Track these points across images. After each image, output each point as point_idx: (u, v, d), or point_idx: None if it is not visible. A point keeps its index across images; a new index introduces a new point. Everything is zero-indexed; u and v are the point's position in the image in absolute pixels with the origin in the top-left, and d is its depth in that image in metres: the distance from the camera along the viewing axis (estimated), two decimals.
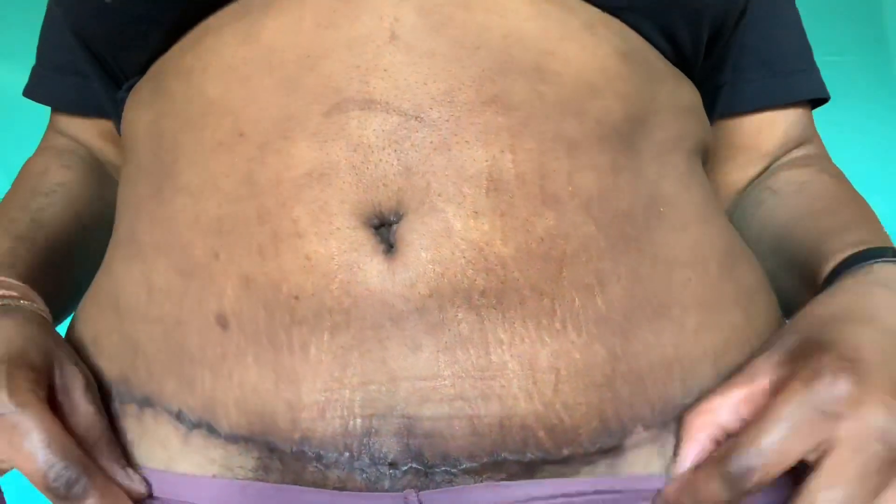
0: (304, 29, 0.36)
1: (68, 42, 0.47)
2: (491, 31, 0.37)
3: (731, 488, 0.31)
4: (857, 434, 0.30)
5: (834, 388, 0.31)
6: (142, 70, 0.43)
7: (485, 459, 0.33)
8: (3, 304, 0.39)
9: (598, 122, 0.37)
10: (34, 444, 0.33)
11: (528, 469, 0.34)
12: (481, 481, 0.33)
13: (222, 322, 0.35)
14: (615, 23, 0.40)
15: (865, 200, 0.49)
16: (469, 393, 0.33)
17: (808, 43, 0.53)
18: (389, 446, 0.33)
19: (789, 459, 0.31)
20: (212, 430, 0.35)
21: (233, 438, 0.35)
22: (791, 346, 0.34)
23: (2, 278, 0.41)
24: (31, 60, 0.57)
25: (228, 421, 0.35)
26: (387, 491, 0.33)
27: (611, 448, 0.35)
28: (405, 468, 0.33)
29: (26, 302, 0.40)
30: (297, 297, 0.34)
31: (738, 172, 0.53)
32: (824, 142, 0.55)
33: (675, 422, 0.36)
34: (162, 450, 0.36)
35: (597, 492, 0.34)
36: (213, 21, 0.40)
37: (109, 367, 0.39)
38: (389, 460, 0.33)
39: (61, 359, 0.37)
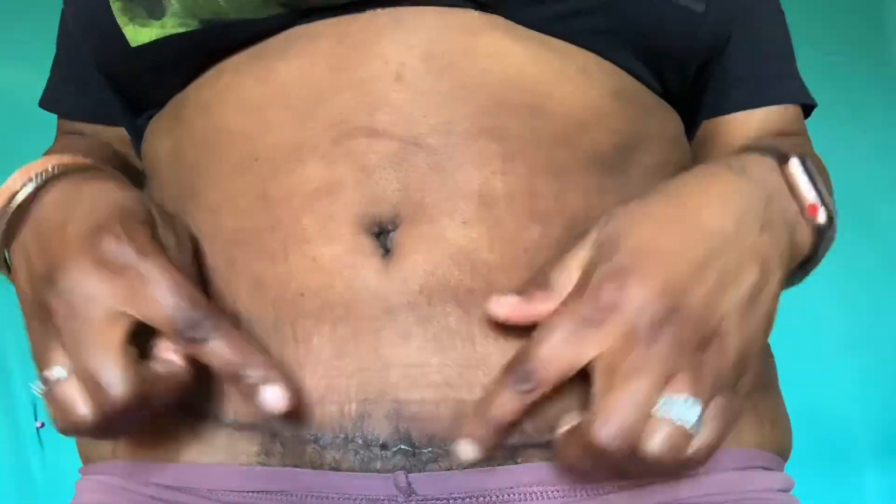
0: (316, 71, 0.40)
1: (86, 58, 0.48)
2: (491, 75, 0.40)
3: (517, 396, 0.33)
4: (622, 334, 0.32)
5: (601, 298, 0.33)
6: (161, 103, 0.46)
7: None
8: (95, 170, 0.40)
9: (587, 152, 0.40)
10: (161, 290, 0.33)
11: (512, 453, 0.36)
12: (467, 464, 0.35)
13: (234, 321, 0.38)
14: (608, 65, 0.42)
15: (825, 171, 0.50)
16: (455, 380, 0.36)
17: (789, 50, 0.54)
18: (381, 428, 0.36)
19: (563, 366, 0.33)
20: (217, 420, 0.38)
21: (237, 426, 0.37)
22: (588, 245, 0.35)
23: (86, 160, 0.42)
24: (35, 61, 0.57)
25: (234, 410, 0.37)
26: (378, 471, 0.35)
27: None
28: (395, 449, 0.35)
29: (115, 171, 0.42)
30: (302, 294, 0.37)
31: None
32: (824, 142, 0.55)
33: None
34: (172, 441, 0.39)
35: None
36: (230, 62, 0.43)
37: None
38: (381, 441, 0.35)
39: (157, 217, 0.38)
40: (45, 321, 0.34)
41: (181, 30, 0.41)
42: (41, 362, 0.34)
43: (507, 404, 0.33)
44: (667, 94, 0.46)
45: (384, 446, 0.35)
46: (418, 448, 0.35)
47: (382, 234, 0.38)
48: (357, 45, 0.40)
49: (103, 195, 0.37)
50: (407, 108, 0.39)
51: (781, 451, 0.43)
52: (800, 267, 0.40)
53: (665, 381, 0.32)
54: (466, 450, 0.34)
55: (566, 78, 0.41)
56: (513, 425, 0.34)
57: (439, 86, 0.39)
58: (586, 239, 0.36)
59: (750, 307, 0.34)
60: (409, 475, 0.35)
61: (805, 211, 0.38)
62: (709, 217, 0.35)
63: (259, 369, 0.34)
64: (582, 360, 0.33)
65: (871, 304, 1.62)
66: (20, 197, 0.37)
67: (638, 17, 0.41)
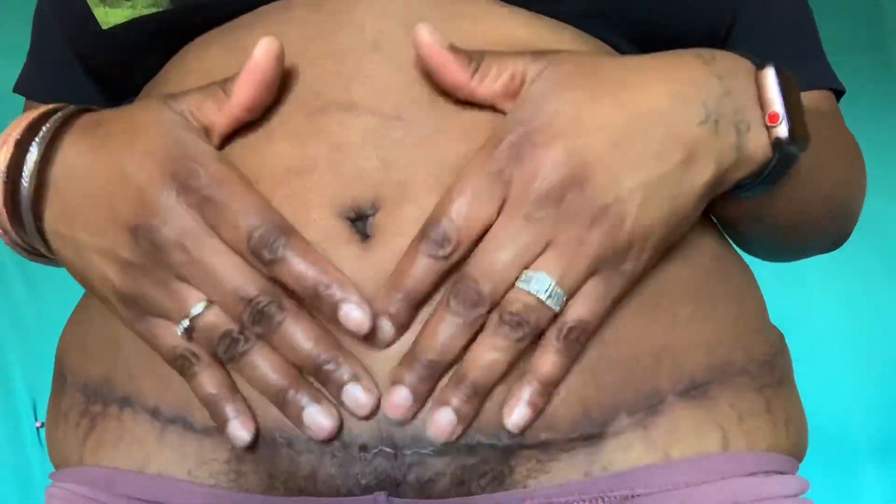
0: (288, 41, 0.37)
1: (62, 43, 0.47)
2: (477, 38, 0.37)
3: (433, 258, 0.33)
4: (514, 197, 0.32)
5: (510, 156, 0.32)
6: (138, 88, 0.45)
7: (458, 443, 0.33)
8: (89, 111, 0.39)
9: None
10: (235, 215, 0.33)
11: (503, 455, 0.34)
12: (453, 465, 0.33)
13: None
14: (600, 42, 0.41)
15: (856, 148, 0.48)
16: (444, 382, 0.33)
17: (809, 30, 0.52)
18: (360, 429, 0.33)
19: (478, 226, 0.33)
20: (187, 425, 0.36)
21: (207, 432, 0.35)
22: (523, 74, 0.34)
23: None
24: (14, 51, 0.56)
25: (202, 414, 0.35)
26: (357, 475, 0.33)
27: (591, 435, 0.35)
28: (375, 451, 0.33)
29: None
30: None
31: None
32: None
33: (660, 407, 0.36)
34: (139, 448, 0.37)
35: (567, 501, 0.34)
36: (200, 38, 0.41)
37: (94, 369, 0.39)
38: (360, 443, 0.33)
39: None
40: (154, 268, 0.33)
41: (152, 10, 0.40)
42: (175, 308, 0.34)
43: (425, 274, 0.33)
44: None
45: (364, 448, 0.33)
46: (400, 449, 0.33)
47: (360, 219, 0.35)
48: (332, 13, 0.38)
49: (140, 128, 0.35)
50: (386, 79, 0.36)
51: (796, 451, 0.41)
52: (755, 180, 0.37)
53: (538, 253, 0.32)
54: (385, 328, 0.33)
55: (563, 41, 0.39)
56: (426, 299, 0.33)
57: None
58: (528, 63, 0.34)
59: (660, 192, 0.33)
60: (391, 499, 0.33)
61: (766, 118, 0.35)
62: (645, 94, 0.34)
63: (338, 287, 0.33)
64: (493, 215, 0.33)
65: (871, 304, 1.62)
66: (29, 166, 0.35)
67: (631, 1, 0.40)
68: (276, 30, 0.38)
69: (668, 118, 0.34)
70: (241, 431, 0.33)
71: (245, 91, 0.35)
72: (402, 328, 0.33)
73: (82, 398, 0.40)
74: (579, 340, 0.33)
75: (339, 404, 0.33)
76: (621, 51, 0.41)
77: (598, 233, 0.32)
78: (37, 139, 0.36)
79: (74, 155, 0.36)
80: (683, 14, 0.42)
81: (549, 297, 0.32)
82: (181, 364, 0.34)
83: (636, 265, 0.34)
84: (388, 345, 0.34)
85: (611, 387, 0.35)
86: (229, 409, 0.34)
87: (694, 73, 0.35)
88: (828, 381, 1.54)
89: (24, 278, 1.66)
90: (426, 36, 0.34)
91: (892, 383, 1.61)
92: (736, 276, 0.41)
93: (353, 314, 0.32)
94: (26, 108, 0.56)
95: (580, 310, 0.33)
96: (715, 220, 0.43)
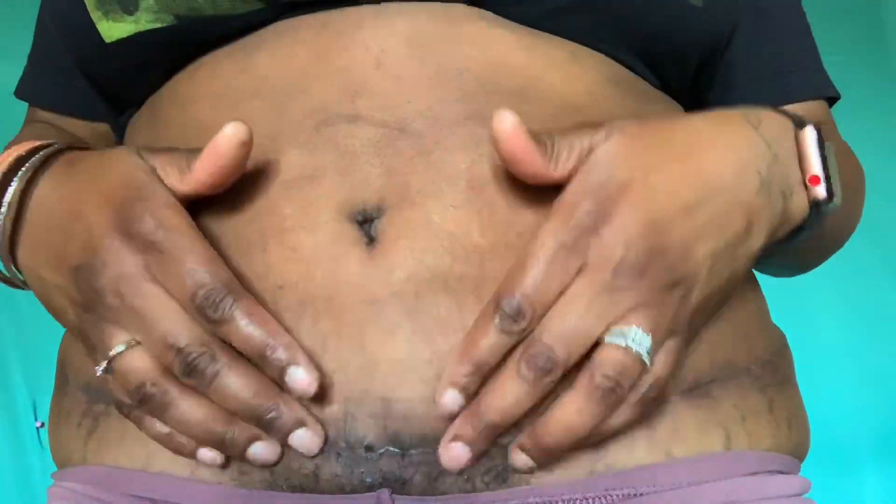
0: (296, 62, 0.39)
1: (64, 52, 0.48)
2: (476, 60, 0.39)
3: (505, 333, 0.32)
4: (593, 263, 0.32)
5: (585, 225, 0.32)
6: (141, 101, 0.45)
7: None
8: (74, 148, 0.39)
9: None
10: (183, 268, 0.32)
11: (507, 453, 0.34)
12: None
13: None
14: (601, 56, 0.41)
15: (859, 169, 0.48)
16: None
17: (809, 44, 0.52)
18: (367, 429, 0.34)
19: (551, 296, 0.32)
20: None
21: None
22: (589, 142, 0.34)
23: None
24: (19, 56, 0.56)
25: None
26: (363, 474, 0.34)
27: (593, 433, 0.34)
28: (381, 451, 0.34)
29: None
30: (281, 287, 0.35)
31: None
32: None
33: (664, 407, 0.36)
34: (141, 447, 0.37)
35: (570, 499, 0.35)
36: (208, 56, 0.42)
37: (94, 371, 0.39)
38: (366, 443, 0.34)
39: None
40: (90, 309, 0.34)
41: (156, 25, 0.40)
42: (101, 347, 0.34)
43: (496, 347, 0.32)
44: (669, 90, 0.45)
45: (370, 448, 0.34)
46: (407, 449, 0.34)
47: (366, 222, 0.36)
48: (339, 33, 0.39)
49: (105, 169, 0.35)
50: (390, 93, 0.38)
51: (798, 451, 0.42)
52: (788, 238, 0.38)
53: (620, 316, 0.32)
54: (453, 398, 0.33)
55: (556, 64, 0.40)
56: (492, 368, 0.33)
57: (423, 71, 0.38)
58: (593, 135, 0.34)
59: (723, 260, 0.34)
60: (393, 496, 0.34)
61: (807, 180, 0.37)
62: (710, 163, 0.34)
63: (284, 350, 0.32)
64: (567, 287, 0.32)
65: (871, 304, 1.62)
66: (8, 198, 0.36)
67: (630, 12, 0.40)
68: (286, 51, 0.39)
69: (731, 187, 0.34)
70: (208, 457, 0.35)
71: (205, 171, 0.35)
72: (469, 398, 0.33)
73: (84, 397, 0.40)
74: (656, 400, 0.34)
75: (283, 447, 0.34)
76: (622, 61, 0.42)
77: (675, 299, 0.33)
78: (18, 174, 0.36)
79: (48, 191, 0.36)
80: (685, 28, 0.42)
81: (647, 353, 0.32)
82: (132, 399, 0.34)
83: (698, 326, 0.35)
84: (454, 416, 0.33)
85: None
86: (185, 444, 0.35)
87: (746, 139, 0.36)
88: (829, 380, 1.54)
89: None
90: (508, 126, 0.33)
91: (893, 383, 1.61)
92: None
93: (299, 377, 0.32)
94: (30, 114, 0.56)
95: (659, 369, 0.33)
96: None
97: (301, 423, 0.33)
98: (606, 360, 0.32)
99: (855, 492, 1.59)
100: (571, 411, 0.32)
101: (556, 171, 0.34)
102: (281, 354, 0.32)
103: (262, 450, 0.34)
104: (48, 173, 0.37)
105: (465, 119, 0.37)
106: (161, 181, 0.35)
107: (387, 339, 0.34)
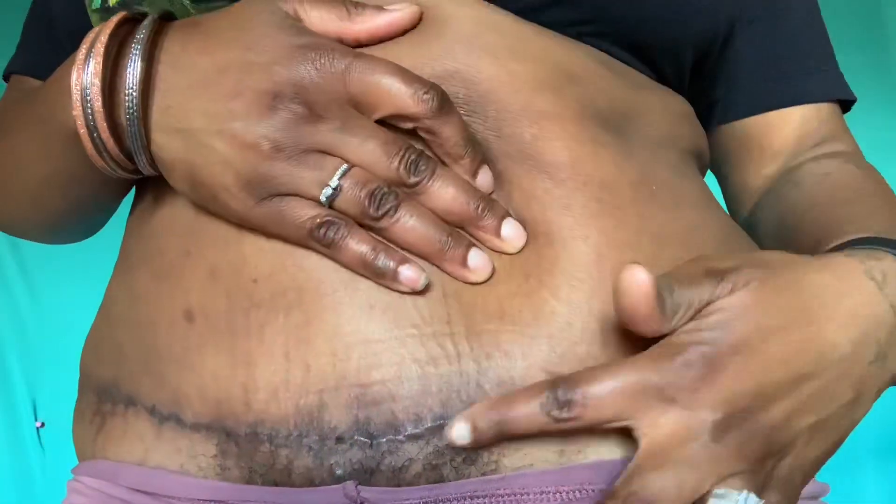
0: None
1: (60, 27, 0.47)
2: (459, 20, 0.38)
3: (544, 417, 0.31)
4: (687, 423, 0.31)
5: (682, 376, 0.31)
6: None
7: (429, 423, 0.33)
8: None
9: (578, 102, 0.38)
10: (385, 73, 0.34)
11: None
12: (426, 450, 0.33)
13: (189, 316, 0.37)
14: (593, 49, 0.41)
15: (894, 194, 0.47)
16: (420, 353, 0.34)
17: (823, 43, 0.51)
18: (338, 420, 0.33)
19: (607, 415, 0.31)
20: (179, 422, 0.36)
21: (196, 427, 0.36)
22: (710, 293, 0.32)
23: None
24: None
25: (192, 411, 0.36)
26: (332, 467, 0.33)
27: None
28: (351, 441, 0.33)
29: None
30: (255, 280, 0.35)
31: (754, 174, 0.53)
32: None
33: None
34: (139, 443, 0.38)
35: (543, 492, 0.33)
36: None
37: (104, 372, 0.41)
38: (337, 434, 0.33)
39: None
40: (283, 146, 0.33)
41: None
42: (319, 174, 0.34)
43: (529, 420, 0.31)
44: (669, 84, 0.44)
45: (340, 439, 0.33)
46: (376, 438, 0.33)
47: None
48: None
49: (245, 20, 0.35)
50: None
51: None
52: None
53: (717, 479, 0.31)
54: (462, 433, 0.32)
55: (550, 36, 0.39)
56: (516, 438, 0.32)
57: (402, 37, 0.37)
58: (714, 289, 0.32)
59: (823, 432, 0.33)
60: (358, 487, 0.33)
61: None
62: (830, 333, 0.33)
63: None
64: (630, 421, 0.31)
65: None
66: (133, 77, 0.34)
67: (617, 6, 0.40)
68: None
69: (846, 359, 0.33)
70: (415, 273, 0.34)
71: (369, 30, 0.36)
72: (475, 445, 0.32)
73: (95, 398, 0.41)
74: None
75: (493, 245, 0.35)
76: (612, 55, 0.41)
77: (768, 464, 0.32)
78: (135, 47, 0.35)
79: (179, 51, 0.35)
80: (673, 23, 0.42)
81: None
82: (324, 233, 0.34)
83: (793, 491, 0.34)
84: (464, 445, 0.33)
85: (582, 360, 0.34)
86: (393, 260, 0.34)
87: (872, 305, 0.34)
88: None
89: (24, 278, 1.66)
90: (638, 283, 0.30)
91: None
92: None
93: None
94: (10, 86, 0.54)
95: None
96: (723, 210, 0.43)
97: (508, 214, 0.35)
98: None
99: (856, 491, 1.59)
100: None
101: (667, 328, 0.32)
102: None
103: (478, 257, 0.34)
104: (169, 38, 0.36)
105: (438, 79, 0.36)
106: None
107: (361, 318, 0.34)
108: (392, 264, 0.34)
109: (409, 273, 0.34)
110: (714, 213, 0.41)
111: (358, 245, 0.34)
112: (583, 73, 0.39)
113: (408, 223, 0.34)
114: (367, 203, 0.33)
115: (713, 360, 0.31)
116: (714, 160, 0.53)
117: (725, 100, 0.50)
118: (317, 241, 0.34)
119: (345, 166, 0.33)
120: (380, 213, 0.33)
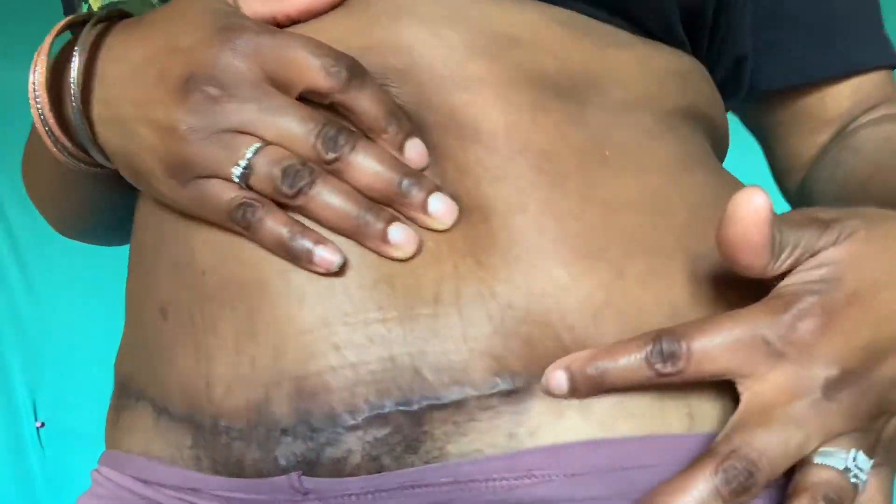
0: None
1: None
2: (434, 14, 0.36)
3: (648, 365, 0.30)
4: (797, 378, 0.29)
5: (795, 329, 0.29)
6: None
7: (366, 413, 0.32)
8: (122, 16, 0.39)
9: (518, 67, 0.36)
10: (305, 50, 0.33)
11: (416, 419, 0.32)
12: (365, 439, 0.32)
13: (163, 312, 0.37)
14: (575, 13, 0.39)
15: None
16: (350, 342, 0.33)
17: (871, 7, 0.50)
18: (281, 413, 0.33)
19: (713, 369, 0.30)
20: (169, 415, 0.37)
21: (179, 420, 0.36)
22: (818, 239, 0.31)
23: None
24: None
25: (173, 404, 0.37)
26: (277, 458, 0.33)
27: (512, 392, 0.32)
28: (294, 434, 0.33)
29: None
30: (204, 273, 0.35)
31: (806, 141, 0.51)
32: None
33: None
34: (142, 435, 0.39)
35: (489, 479, 0.32)
36: None
37: (123, 368, 0.42)
38: (281, 427, 0.33)
39: None
40: (199, 128, 0.33)
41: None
42: (231, 154, 0.33)
43: (631, 372, 0.30)
44: (658, 39, 0.42)
45: (284, 431, 0.33)
46: (316, 430, 0.33)
47: None
48: None
49: (179, 12, 0.35)
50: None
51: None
52: None
53: (825, 439, 0.30)
54: (560, 382, 0.31)
55: (496, 2, 0.37)
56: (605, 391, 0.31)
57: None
58: (819, 236, 0.31)
59: None
60: (301, 477, 0.33)
61: None
62: None
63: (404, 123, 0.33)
64: (736, 375, 0.30)
65: None
66: (75, 72, 0.35)
67: None
68: None
69: None
70: (330, 254, 0.32)
71: (298, 5, 0.35)
72: (573, 395, 0.31)
73: (117, 393, 0.43)
74: None
75: (421, 222, 0.33)
76: (590, 15, 0.39)
77: (879, 423, 0.31)
78: (78, 45, 0.36)
79: (118, 45, 0.36)
80: None
81: (865, 478, 0.30)
82: (242, 214, 0.33)
83: None
84: (559, 396, 0.32)
85: (534, 342, 0.32)
86: (309, 241, 0.33)
87: None
88: None
89: (24, 278, 1.66)
90: (756, 207, 0.28)
91: None
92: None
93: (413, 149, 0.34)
94: None
95: (870, 497, 0.31)
96: (722, 173, 0.41)
97: (437, 188, 0.33)
98: (822, 483, 0.29)
99: None
100: None
101: (771, 271, 0.30)
102: (405, 123, 0.33)
103: (399, 232, 0.33)
104: (112, 36, 0.36)
105: (361, 50, 0.35)
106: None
107: (295, 309, 0.33)
108: (308, 245, 0.32)
109: (324, 254, 0.32)
110: (694, 178, 0.38)
111: (274, 226, 0.33)
112: (528, 36, 0.37)
113: (323, 200, 0.32)
114: (280, 180, 0.32)
115: (829, 313, 0.30)
116: (759, 128, 0.52)
117: (767, 62, 0.48)
118: (235, 222, 0.33)
119: (257, 144, 0.33)
120: (293, 190, 0.32)
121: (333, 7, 0.36)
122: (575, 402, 0.32)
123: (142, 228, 0.40)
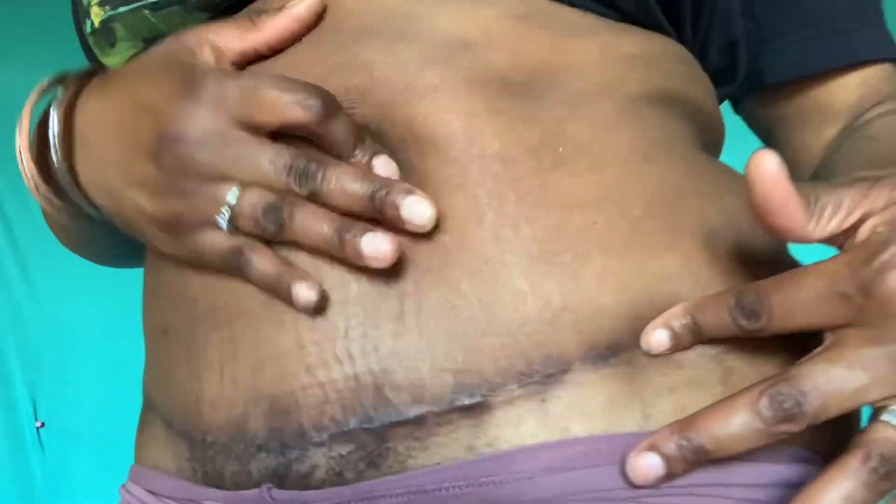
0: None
1: None
2: (352, 11, 0.38)
3: (733, 321, 0.31)
4: (871, 333, 0.29)
5: (877, 283, 0.29)
6: None
7: (331, 430, 0.33)
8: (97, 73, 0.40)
9: (470, 70, 0.36)
10: (274, 89, 0.34)
11: (379, 436, 0.33)
12: (330, 454, 0.33)
13: (164, 331, 0.39)
14: (559, 4, 0.39)
15: None
16: (324, 358, 0.34)
17: (873, 0, 0.49)
18: (257, 429, 0.35)
19: (794, 324, 0.30)
20: (174, 429, 0.39)
21: (178, 433, 0.39)
22: (877, 198, 0.30)
23: None
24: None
25: (174, 418, 0.39)
26: (252, 472, 0.35)
27: (472, 406, 0.32)
28: (267, 450, 0.34)
29: None
30: (196, 300, 0.37)
31: (814, 135, 0.51)
32: None
33: (565, 377, 0.32)
34: (155, 448, 0.41)
35: (440, 488, 0.32)
36: None
37: (145, 385, 0.44)
38: (257, 443, 0.35)
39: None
40: (177, 185, 0.34)
41: (133, 51, 0.42)
42: (213, 204, 0.34)
43: (721, 326, 0.31)
44: (635, 22, 0.41)
45: (260, 448, 0.35)
46: (287, 446, 0.34)
47: None
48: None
49: (146, 66, 0.36)
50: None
51: (828, 453, 0.37)
52: None
53: (891, 393, 0.29)
54: (661, 339, 0.32)
55: (442, 6, 0.37)
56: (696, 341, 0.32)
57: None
58: (865, 197, 0.30)
59: None
60: (271, 490, 0.34)
61: None
62: None
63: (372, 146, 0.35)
64: (818, 328, 0.30)
65: None
66: (53, 138, 0.37)
67: None
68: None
69: None
70: (304, 291, 0.33)
71: (276, 31, 0.36)
72: (674, 351, 0.32)
73: (143, 408, 0.44)
74: None
75: (400, 228, 0.33)
76: (569, 4, 0.39)
77: None
78: (53, 106, 0.37)
79: (95, 105, 0.37)
80: None
81: None
82: (236, 259, 0.34)
83: None
84: (658, 353, 0.32)
85: (490, 353, 0.32)
86: (290, 281, 0.34)
87: None
88: None
89: (24, 278, 1.66)
90: (767, 169, 0.29)
91: None
92: (693, 219, 0.36)
93: (383, 163, 0.34)
94: None
95: None
96: (689, 159, 0.39)
97: (412, 191, 0.32)
98: (881, 441, 0.29)
99: None
100: (837, 497, 0.28)
101: (816, 231, 0.30)
102: (372, 146, 0.35)
103: (370, 242, 0.32)
104: (87, 93, 0.38)
105: (328, 73, 0.36)
106: (206, 59, 0.36)
107: (273, 334, 0.35)
108: (289, 285, 0.33)
109: (300, 292, 0.33)
110: (655, 167, 0.37)
111: (262, 268, 0.34)
112: (480, 37, 0.37)
113: (303, 230, 0.33)
114: (263, 220, 0.33)
115: None
116: (764, 124, 0.52)
117: (774, 56, 0.48)
118: (231, 269, 0.35)
119: (236, 189, 0.34)
120: (275, 226, 0.33)
121: (310, 26, 0.37)
122: (534, 406, 0.32)
123: (149, 253, 0.42)
